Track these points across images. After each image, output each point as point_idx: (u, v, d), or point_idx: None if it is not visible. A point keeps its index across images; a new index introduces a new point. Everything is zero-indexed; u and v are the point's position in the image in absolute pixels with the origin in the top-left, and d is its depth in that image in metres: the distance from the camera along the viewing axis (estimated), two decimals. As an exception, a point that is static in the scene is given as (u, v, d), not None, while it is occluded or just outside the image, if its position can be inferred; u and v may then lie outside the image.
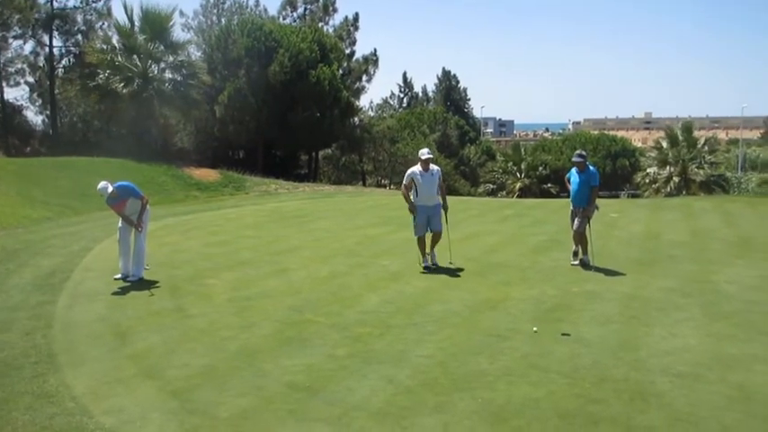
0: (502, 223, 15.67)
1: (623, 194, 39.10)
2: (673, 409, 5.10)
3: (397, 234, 13.63)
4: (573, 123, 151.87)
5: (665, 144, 37.25)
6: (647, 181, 36.57)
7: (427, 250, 10.15)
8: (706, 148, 36.47)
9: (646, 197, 33.67)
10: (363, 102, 66.56)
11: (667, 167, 36.91)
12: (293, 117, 30.43)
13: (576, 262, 10.34)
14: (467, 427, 4.85)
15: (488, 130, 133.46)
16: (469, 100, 68.97)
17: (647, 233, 13.88)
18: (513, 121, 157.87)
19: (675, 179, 35.39)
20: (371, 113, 42.98)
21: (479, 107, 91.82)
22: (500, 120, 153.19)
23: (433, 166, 9.90)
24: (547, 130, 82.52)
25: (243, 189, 24.23)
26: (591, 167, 10.26)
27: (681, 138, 36.55)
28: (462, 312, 7.75)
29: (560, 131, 55.47)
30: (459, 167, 42.75)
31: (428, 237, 10.19)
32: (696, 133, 38.52)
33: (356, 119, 37.27)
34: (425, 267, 9.90)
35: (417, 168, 9.81)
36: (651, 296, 8.43)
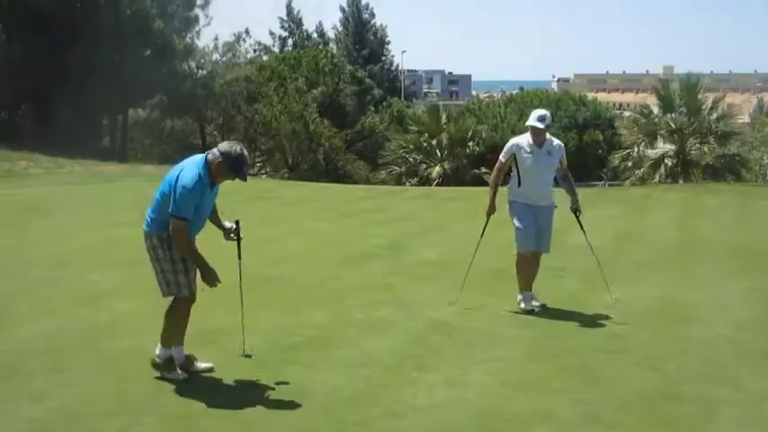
0: (336, 222, 16.05)
1: (602, 184, 39.78)
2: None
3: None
4: (559, 81, 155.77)
5: (655, 109, 38.17)
6: (630, 164, 37.30)
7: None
8: (714, 114, 37.34)
9: (626, 186, 34.17)
10: (205, 39, 64.03)
11: (660, 143, 37.85)
12: (72, 59, 29.86)
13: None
14: None
15: (433, 90, 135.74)
16: (389, 43, 69.40)
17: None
18: (470, 77, 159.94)
19: (668, 161, 36.23)
20: (219, 57, 42.30)
21: (400, 53, 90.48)
22: (450, 74, 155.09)
23: (554, 140, 9.34)
24: (503, 91, 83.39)
25: (-36, 168, 23.71)
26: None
27: (678, 100, 37.31)
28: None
29: (516, 90, 55.95)
30: (355, 143, 42.84)
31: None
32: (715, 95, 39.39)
33: (189, 65, 36.88)
34: (526, 310, 9.17)
35: (525, 140, 9.19)
36: (468, 326, 8.70)
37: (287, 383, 6.85)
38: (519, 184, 9.24)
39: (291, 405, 6.39)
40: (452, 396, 6.65)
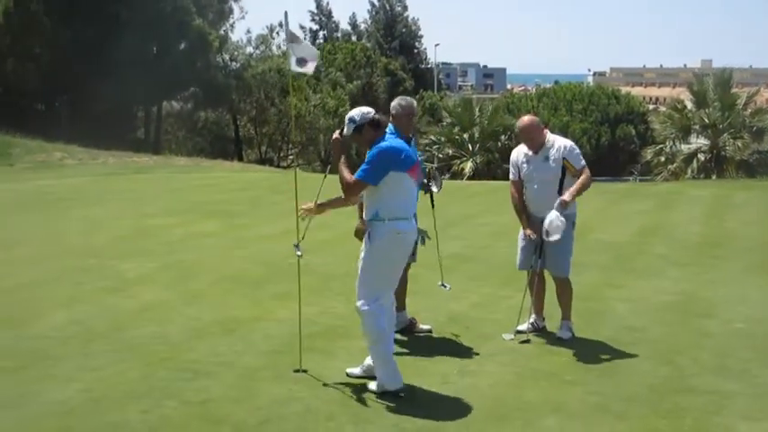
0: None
1: (632, 180, 39.70)
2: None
3: (190, 227, 14.21)
4: (595, 74, 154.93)
5: (689, 104, 37.94)
6: (663, 159, 37.16)
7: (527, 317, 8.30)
8: (749, 110, 37.15)
9: (658, 182, 34.08)
10: (239, 33, 64.57)
11: (693, 139, 37.65)
12: (112, 51, 30.22)
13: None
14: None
15: (468, 83, 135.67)
16: (421, 37, 69.27)
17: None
18: (504, 70, 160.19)
19: (701, 157, 36.04)
20: (252, 50, 42.63)
21: (433, 46, 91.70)
22: (485, 67, 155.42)
23: (558, 141, 7.92)
24: (537, 84, 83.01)
25: (6, 158, 24.13)
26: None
27: (712, 95, 37.09)
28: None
29: (550, 84, 55.55)
30: (388, 135, 42.72)
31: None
32: (750, 90, 39.11)
33: (223, 57, 37.15)
34: (517, 332, 8.10)
35: (522, 149, 8.09)
36: (485, 317, 8.59)
37: (305, 371, 6.95)
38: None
39: (308, 392, 6.52)
40: (465, 385, 6.74)
